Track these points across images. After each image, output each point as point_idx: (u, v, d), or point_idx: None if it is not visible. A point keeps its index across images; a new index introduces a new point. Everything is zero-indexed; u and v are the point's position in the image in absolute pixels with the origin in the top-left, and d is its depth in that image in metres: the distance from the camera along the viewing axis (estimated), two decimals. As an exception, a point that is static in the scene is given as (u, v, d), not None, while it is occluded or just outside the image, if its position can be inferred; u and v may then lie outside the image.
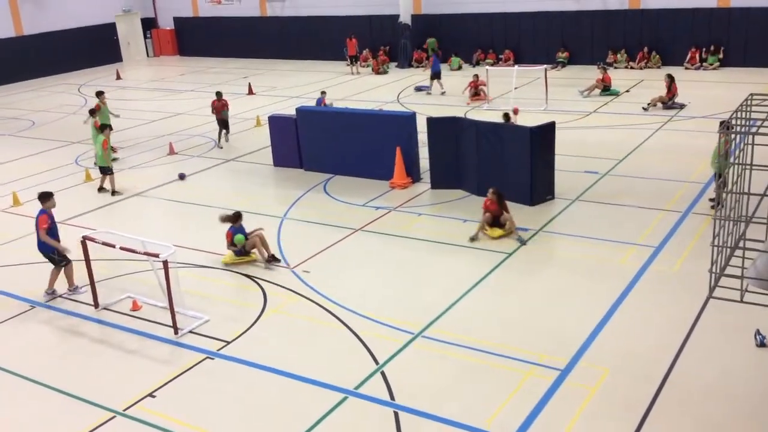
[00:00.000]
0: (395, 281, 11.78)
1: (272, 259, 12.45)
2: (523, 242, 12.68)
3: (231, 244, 12.56)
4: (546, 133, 14.53)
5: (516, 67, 24.76)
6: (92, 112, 19.40)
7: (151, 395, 8.99)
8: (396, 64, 33.08)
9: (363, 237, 13.58)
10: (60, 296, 11.72)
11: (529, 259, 12.26)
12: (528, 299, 10.88)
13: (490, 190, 13.17)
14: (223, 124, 20.63)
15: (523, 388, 8.65)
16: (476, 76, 24.43)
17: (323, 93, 22.18)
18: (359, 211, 14.86)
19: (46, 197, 11.59)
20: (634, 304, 10.44)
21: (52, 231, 11.47)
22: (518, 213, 13.98)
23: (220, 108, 20.49)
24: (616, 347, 9.39)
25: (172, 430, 8.30)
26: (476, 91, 24.19)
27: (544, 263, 12.25)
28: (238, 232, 12.48)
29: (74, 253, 11.51)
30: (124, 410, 8.72)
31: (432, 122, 15.72)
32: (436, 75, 26.04)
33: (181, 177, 17.87)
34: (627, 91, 24.34)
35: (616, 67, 28.59)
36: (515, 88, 23.46)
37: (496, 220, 13.06)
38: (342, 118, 17.39)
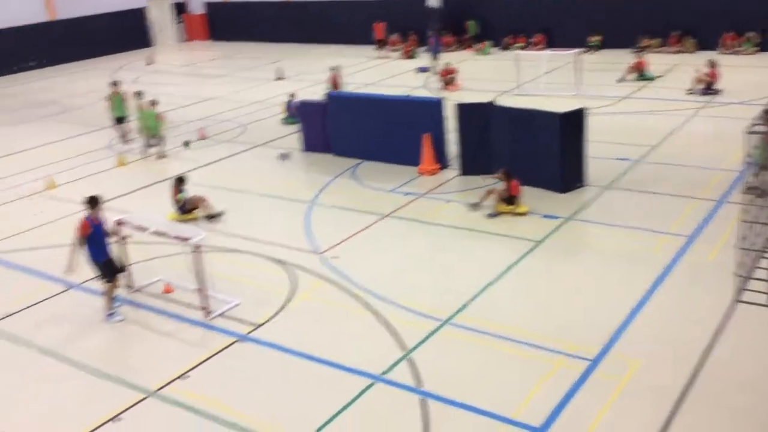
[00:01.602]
0: (423, 267, 11.78)
1: (211, 218, 14.15)
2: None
3: (176, 201, 14.47)
4: (577, 119, 14.37)
5: (547, 51, 24.45)
6: (138, 94, 19.63)
7: (182, 377, 9.14)
8: (425, 48, 32.84)
9: (391, 223, 13.59)
10: (118, 317, 10.81)
11: (560, 247, 12.17)
12: (557, 288, 10.81)
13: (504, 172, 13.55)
14: None
15: (552, 377, 8.62)
16: (447, 64, 24.57)
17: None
18: (388, 197, 14.86)
19: (92, 203, 10.53)
20: (666, 294, 10.32)
21: (94, 239, 10.43)
22: (549, 200, 13.90)
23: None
24: (647, 338, 9.30)
25: (204, 411, 8.43)
26: (448, 80, 24.15)
27: (574, 251, 12.15)
28: (182, 193, 14.50)
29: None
30: (157, 391, 8.88)
31: (461, 108, 15.62)
32: (436, 55, 26.71)
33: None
34: (660, 76, 23.91)
35: (649, 52, 28.08)
36: (545, 73, 23.19)
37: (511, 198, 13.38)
38: (370, 104, 17.36)
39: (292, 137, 19.33)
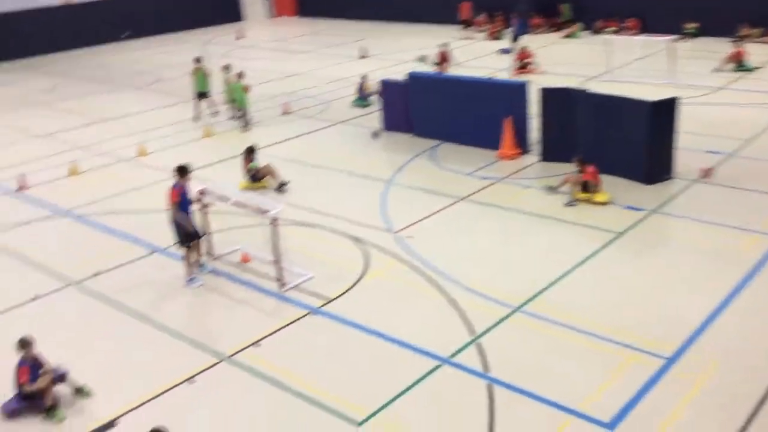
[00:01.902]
0: (498, 253, 11.66)
1: (280, 186, 14.59)
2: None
3: (247, 170, 14.89)
4: (668, 109, 13.82)
5: (640, 36, 23.57)
6: (226, 68, 20.07)
7: (255, 344, 9.40)
8: (512, 29, 32.22)
9: (468, 206, 13.49)
10: (198, 282, 11.13)
11: (641, 240, 11.79)
12: (637, 281, 10.50)
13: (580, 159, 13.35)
14: None
15: (625, 373, 8.41)
16: (523, 48, 23.81)
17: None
18: (465, 180, 14.74)
19: (181, 172, 10.92)
20: (752, 296, 9.86)
21: (183, 205, 10.85)
22: (633, 191, 13.48)
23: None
24: (728, 339, 8.93)
25: (273, 378, 8.66)
26: (523, 64, 23.48)
27: (656, 245, 11.76)
28: (254, 162, 14.96)
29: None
30: (230, 356, 9.16)
31: (546, 93, 15.28)
32: (517, 38, 26.14)
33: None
34: (759, 67, 22.67)
35: (749, 42, 26.63)
36: (637, 59, 22.39)
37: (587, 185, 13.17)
38: (453, 86, 17.20)
39: (373, 116, 19.40)
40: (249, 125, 19.42)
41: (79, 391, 8.50)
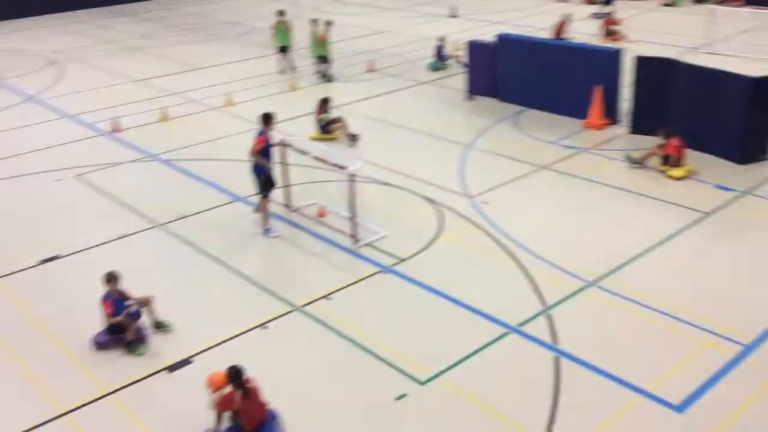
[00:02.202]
0: (576, 225, 11.43)
1: (352, 138, 14.80)
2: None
3: (318, 121, 15.29)
4: (771, 86, 13.07)
5: (746, 8, 22.24)
6: (314, 21, 20.18)
7: (327, 297, 9.61)
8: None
9: (548, 175, 13.24)
10: (274, 233, 11.36)
11: (729, 221, 11.32)
12: (721, 264, 10.11)
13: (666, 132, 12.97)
14: None
15: (699, 357, 8.18)
16: (610, 13, 22.98)
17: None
18: (548, 149, 14.44)
19: (267, 119, 11.08)
20: (844, 289, 9.37)
21: (266, 153, 11.07)
22: (724, 170, 12.92)
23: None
24: (813, 331, 8.54)
25: (341, 332, 8.85)
26: (609, 31, 22.53)
27: (745, 228, 11.25)
28: (326, 113, 15.24)
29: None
30: (302, 306, 9.41)
31: (641, 62, 14.68)
32: (609, 2, 26.51)
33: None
34: None
35: None
36: (742, 32, 21.16)
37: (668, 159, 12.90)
38: (543, 50, 16.73)
39: (458, 78, 19.15)
40: (331, 79, 19.54)
41: (160, 325, 8.92)
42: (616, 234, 11.04)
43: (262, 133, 11.05)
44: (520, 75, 16.87)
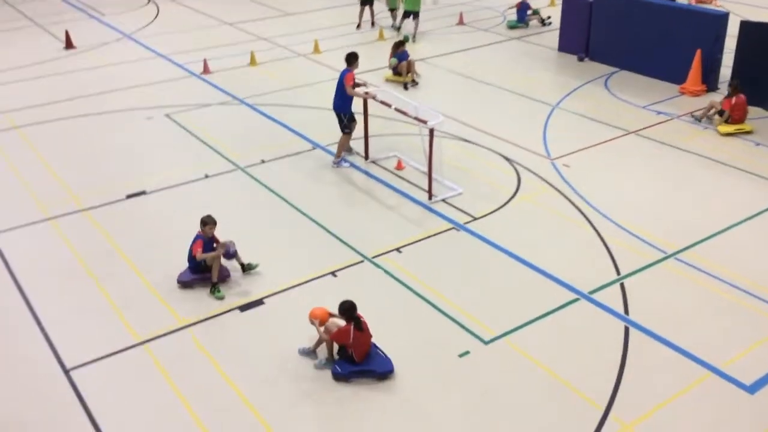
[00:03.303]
0: (659, 194, 11.03)
1: (412, 83, 15.54)
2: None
3: (390, 61, 15.85)
4: None
5: None
6: None
7: (398, 250, 9.68)
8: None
9: (636, 141, 12.76)
10: (345, 163, 12.07)
11: (827, 201, 10.68)
12: (811, 246, 9.60)
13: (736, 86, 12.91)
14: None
15: (777, 339, 7.86)
16: None
17: None
18: (638, 113, 13.89)
19: (353, 58, 11.68)
20: None
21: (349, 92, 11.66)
22: (828, 147, 12.14)
23: None
24: None
25: (409, 285, 8.93)
26: None
27: (844, 210, 10.60)
28: (397, 56, 15.61)
29: (360, 105, 12.26)
30: (373, 257, 9.53)
31: (747, 26, 13.82)
32: None
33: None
34: None
35: None
36: None
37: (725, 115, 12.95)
38: (643, 9, 15.92)
39: (550, 35, 18.56)
40: (400, 28, 19.36)
41: (248, 267, 9.20)
42: (701, 205, 10.61)
43: (348, 71, 11.58)
44: (616, 34, 16.20)
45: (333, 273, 9.23)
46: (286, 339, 8.09)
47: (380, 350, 7.68)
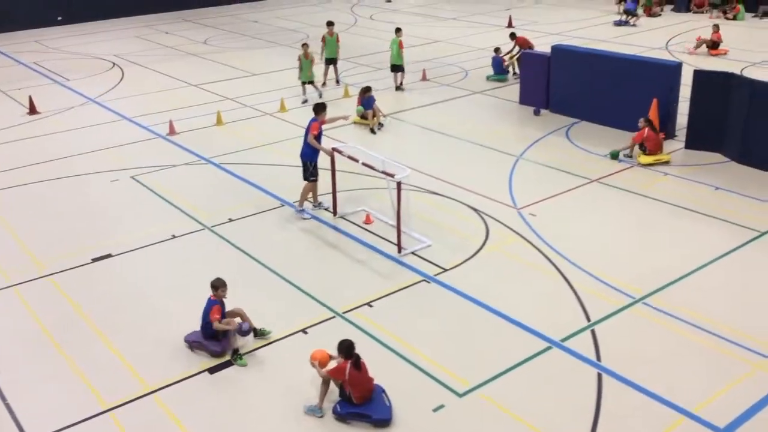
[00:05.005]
0: (625, 240, 11.19)
1: (379, 125, 16.50)
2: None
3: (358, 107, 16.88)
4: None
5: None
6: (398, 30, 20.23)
7: (369, 304, 9.63)
8: (672, 7, 30.39)
9: (598, 189, 13.00)
10: (306, 215, 12.17)
11: (786, 242, 10.93)
12: (775, 286, 9.77)
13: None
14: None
15: (748, 379, 7.91)
16: (716, 26, 22.53)
17: (496, 51, 20.54)
18: (599, 162, 14.20)
19: (321, 108, 12.08)
20: None
21: (319, 140, 11.99)
22: (783, 189, 12.49)
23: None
24: None
25: (381, 340, 8.85)
26: (714, 43, 22.12)
27: (803, 250, 10.85)
28: (364, 103, 16.67)
29: (327, 160, 12.33)
30: (344, 312, 9.45)
31: (700, 75, 14.33)
32: (628, 12, 27.49)
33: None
34: None
35: None
36: (811, 46, 20.46)
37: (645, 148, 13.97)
38: (599, 62, 16.46)
39: (511, 89, 19.01)
40: (402, 86, 19.87)
41: (260, 332, 8.95)
42: (665, 251, 10.77)
43: (315, 120, 12.00)
44: (574, 87, 16.65)
45: (304, 330, 9.12)
46: (258, 399, 7.92)
47: (386, 397, 7.70)
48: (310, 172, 12.12)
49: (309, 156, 12.05)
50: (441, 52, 24.08)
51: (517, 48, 20.62)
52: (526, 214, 12.03)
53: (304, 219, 12.08)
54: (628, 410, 7.56)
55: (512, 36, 21.19)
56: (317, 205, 12.47)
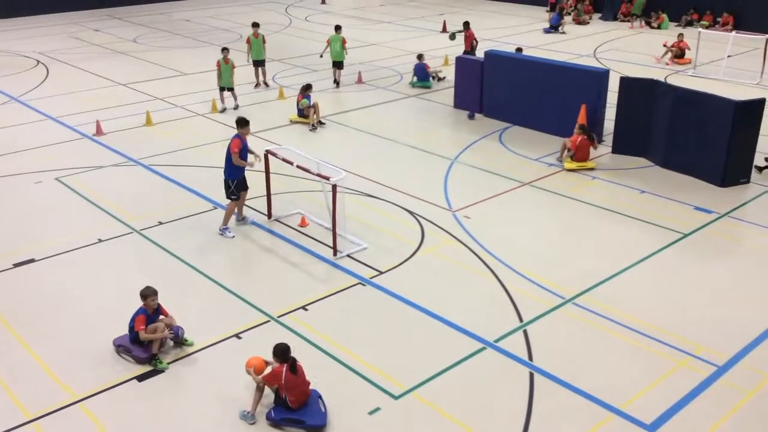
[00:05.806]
0: (556, 242, 11.45)
1: (319, 123, 16.65)
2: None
3: (298, 104, 16.89)
4: (753, 110, 13.23)
5: (733, 33, 22.53)
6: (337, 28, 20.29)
7: (304, 308, 9.54)
8: (600, 15, 31.36)
9: (530, 192, 13.27)
10: (230, 234, 11.54)
11: (708, 243, 11.38)
12: (697, 285, 10.16)
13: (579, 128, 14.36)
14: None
15: (672, 376, 8.19)
16: (680, 35, 22.94)
17: (419, 57, 20.70)
18: (531, 165, 14.49)
19: (242, 124, 11.40)
20: (819, 313, 9.43)
21: (242, 156, 11.32)
22: (705, 193, 13.02)
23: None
24: (787, 355, 8.57)
25: (316, 344, 8.78)
26: (679, 53, 22.63)
27: (723, 250, 11.32)
28: (307, 98, 16.78)
29: (257, 165, 12.15)
30: (278, 317, 9.33)
31: (626, 82, 14.81)
32: (552, 26, 28.27)
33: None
34: None
35: None
36: (728, 56, 21.41)
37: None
38: (530, 68, 16.81)
39: (445, 93, 19.22)
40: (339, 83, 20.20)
41: (183, 341, 8.73)
42: (594, 252, 11.07)
43: (237, 136, 11.34)
44: (506, 92, 16.95)
45: (237, 335, 8.97)
46: (190, 407, 7.74)
47: (322, 402, 7.63)
48: (231, 191, 11.46)
49: (230, 174, 11.37)
50: (376, 55, 24.15)
51: (464, 36, 21.06)
52: (461, 217, 12.17)
53: (228, 238, 11.44)
54: (559, 409, 7.72)
55: (466, 25, 21.41)
56: (241, 219, 11.95)
